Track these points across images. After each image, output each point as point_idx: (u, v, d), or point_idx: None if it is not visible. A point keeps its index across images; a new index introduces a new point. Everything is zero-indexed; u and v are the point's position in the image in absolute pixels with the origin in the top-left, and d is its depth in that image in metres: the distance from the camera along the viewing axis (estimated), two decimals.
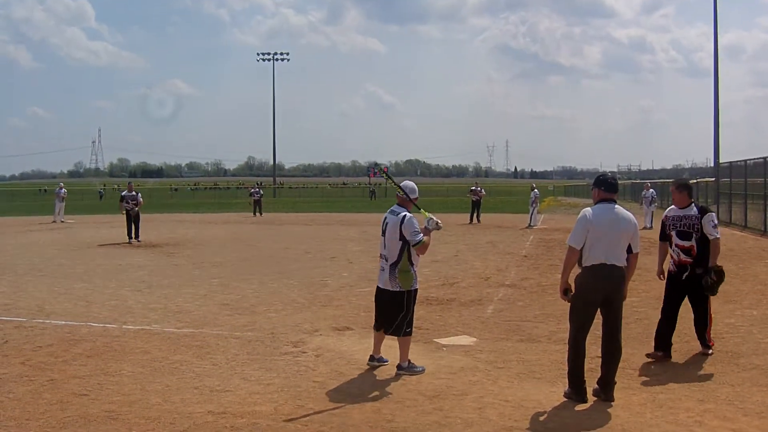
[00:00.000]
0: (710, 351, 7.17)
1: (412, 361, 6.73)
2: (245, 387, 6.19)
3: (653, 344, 7.12)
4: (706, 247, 7.02)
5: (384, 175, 7.54)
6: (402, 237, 6.58)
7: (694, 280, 7.06)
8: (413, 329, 6.90)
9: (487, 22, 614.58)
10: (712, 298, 7.17)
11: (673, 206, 7.35)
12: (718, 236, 7.04)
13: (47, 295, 11.10)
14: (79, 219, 33.53)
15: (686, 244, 7.07)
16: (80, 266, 15.05)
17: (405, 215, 6.62)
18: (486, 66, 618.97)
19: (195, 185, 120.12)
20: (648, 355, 7.02)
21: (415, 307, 6.81)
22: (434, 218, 6.69)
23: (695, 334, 7.30)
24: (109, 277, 13.36)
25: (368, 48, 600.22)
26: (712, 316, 7.28)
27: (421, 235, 6.55)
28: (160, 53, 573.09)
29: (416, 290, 6.78)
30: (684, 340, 7.46)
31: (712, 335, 7.31)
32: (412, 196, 6.80)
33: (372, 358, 6.91)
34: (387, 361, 6.88)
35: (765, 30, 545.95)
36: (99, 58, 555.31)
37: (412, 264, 6.65)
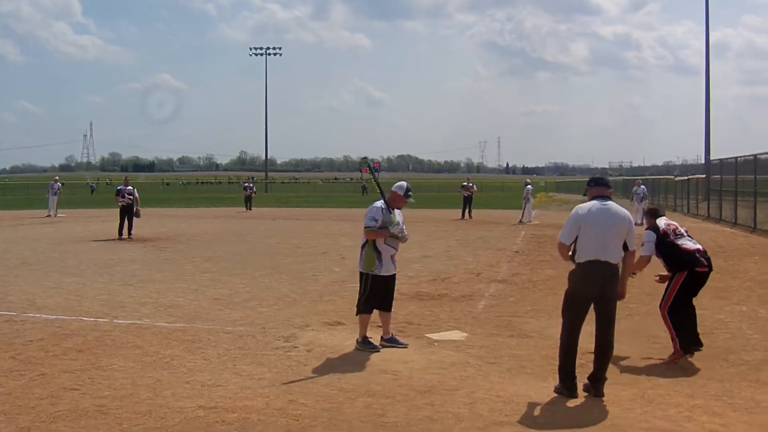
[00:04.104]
0: (670, 357, 6.90)
1: (368, 339, 7.22)
2: (236, 382, 6.18)
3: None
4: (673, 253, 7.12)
5: (369, 171, 7.82)
6: None
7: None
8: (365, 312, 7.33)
9: (473, 18, 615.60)
10: (696, 297, 7.14)
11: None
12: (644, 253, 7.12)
13: (38, 289, 11.06)
14: (71, 213, 33.36)
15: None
16: (71, 260, 15.00)
17: (374, 204, 7.23)
18: (474, 62, 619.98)
19: (189, 181, 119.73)
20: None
21: (370, 294, 7.23)
22: (401, 226, 7.18)
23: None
24: (100, 271, 13.32)
25: (355, 44, 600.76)
26: (667, 321, 6.96)
27: (374, 224, 7.10)
28: (148, 48, 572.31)
29: (378, 277, 7.20)
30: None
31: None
32: (398, 193, 7.33)
33: (381, 338, 7.44)
34: (405, 345, 7.35)
35: (751, 28, 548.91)
36: (87, 53, 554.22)
37: (377, 250, 7.16)
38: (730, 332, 8.10)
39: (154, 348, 7.35)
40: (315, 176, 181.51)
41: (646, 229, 7.27)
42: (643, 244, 7.06)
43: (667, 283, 7.16)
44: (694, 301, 7.13)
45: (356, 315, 7.40)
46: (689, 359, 6.89)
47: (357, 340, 7.34)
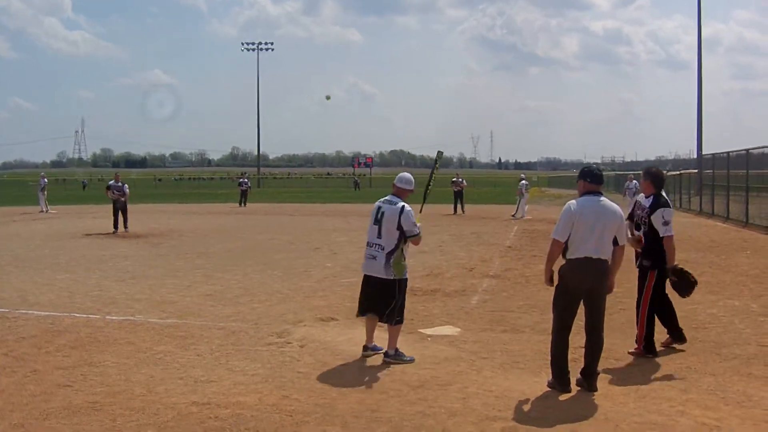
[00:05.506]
0: (632, 350, 6.93)
1: (399, 350, 6.74)
2: (229, 378, 6.18)
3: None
4: (656, 240, 6.82)
5: (436, 166, 7.43)
6: (399, 227, 6.64)
7: (641, 271, 7.04)
8: (404, 319, 6.93)
9: (464, 13, 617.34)
10: (676, 295, 7.06)
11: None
12: (669, 234, 6.71)
13: (30, 286, 11.01)
14: (63, 209, 33.26)
15: (636, 233, 7.05)
16: (63, 257, 14.95)
17: (404, 206, 6.70)
18: (465, 57, 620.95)
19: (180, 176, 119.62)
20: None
21: (404, 301, 6.84)
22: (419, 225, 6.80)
23: (665, 327, 7.29)
24: (92, 267, 13.28)
25: (347, 39, 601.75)
26: (644, 320, 6.91)
27: (419, 227, 6.69)
28: (139, 44, 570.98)
29: (407, 280, 6.85)
30: (664, 330, 7.48)
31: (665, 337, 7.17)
32: (408, 187, 6.91)
33: (366, 348, 6.92)
34: (382, 349, 6.86)
35: (741, 23, 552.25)
36: (78, 49, 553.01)
37: (404, 254, 6.75)
38: (722, 326, 8.13)
39: (146, 344, 7.34)
40: (307, 171, 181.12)
41: (663, 207, 6.79)
42: (666, 223, 6.72)
43: (640, 281, 7.00)
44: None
45: (394, 325, 6.69)
46: (677, 348, 6.99)
47: (387, 352, 6.72)
